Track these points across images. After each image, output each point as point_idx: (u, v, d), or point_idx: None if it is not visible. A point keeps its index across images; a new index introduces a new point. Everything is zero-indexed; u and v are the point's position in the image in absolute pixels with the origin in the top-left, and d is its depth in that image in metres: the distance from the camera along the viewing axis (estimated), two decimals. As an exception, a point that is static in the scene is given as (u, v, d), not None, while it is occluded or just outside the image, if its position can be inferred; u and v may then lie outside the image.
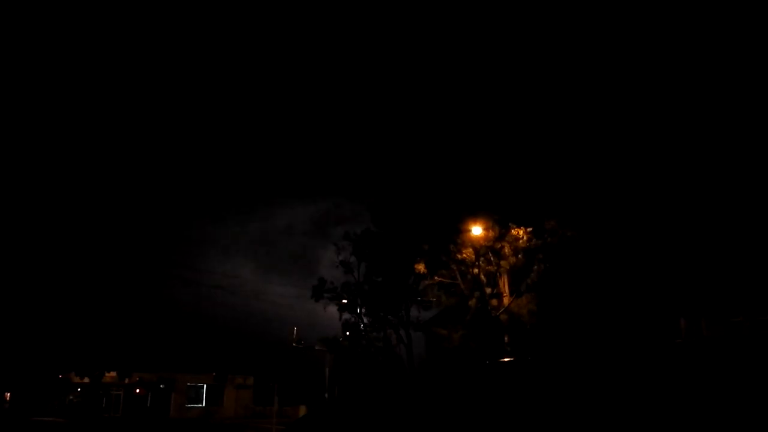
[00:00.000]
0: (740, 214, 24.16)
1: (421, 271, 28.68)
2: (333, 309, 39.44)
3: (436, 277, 29.54)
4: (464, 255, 26.73)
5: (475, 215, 26.18)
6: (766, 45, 22.75)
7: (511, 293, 27.28)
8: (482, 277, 27.35)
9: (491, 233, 25.93)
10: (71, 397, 59.34)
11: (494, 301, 27.40)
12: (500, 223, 26.14)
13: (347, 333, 41.33)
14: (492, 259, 26.42)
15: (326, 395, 46.79)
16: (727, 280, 25.49)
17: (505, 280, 27.47)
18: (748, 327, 24.39)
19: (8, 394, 55.77)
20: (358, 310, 38.23)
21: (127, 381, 59.28)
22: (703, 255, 24.77)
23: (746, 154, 23.58)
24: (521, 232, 25.98)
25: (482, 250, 26.37)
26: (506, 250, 25.85)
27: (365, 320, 38.44)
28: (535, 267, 26.35)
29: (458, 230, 26.57)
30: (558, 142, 27.91)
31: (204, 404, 62.83)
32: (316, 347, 47.63)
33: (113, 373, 58.21)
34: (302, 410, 53.24)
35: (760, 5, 23.14)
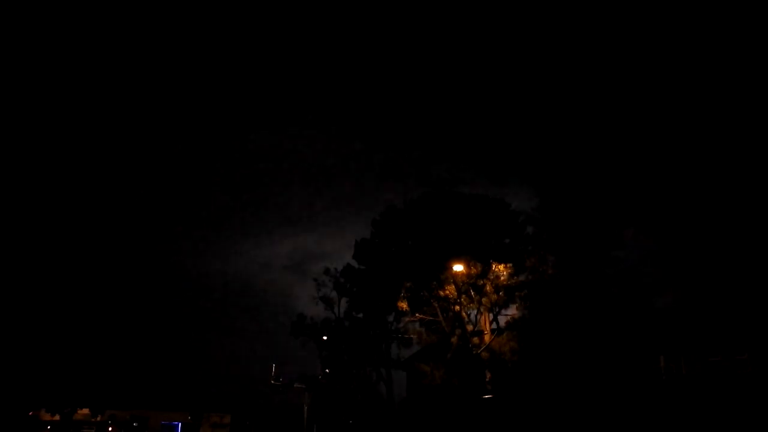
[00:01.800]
0: (720, 257, 24.55)
1: (404, 308, 28.55)
2: (313, 346, 38.96)
3: (417, 314, 29.40)
4: (446, 292, 26.72)
5: (458, 252, 26.26)
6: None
7: (492, 330, 27.25)
8: (464, 314, 27.30)
9: (473, 270, 25.99)
10: (41, 436, 57.43)
11: (476, 339, 27.31)
12: (482, 260, 26.23)
13: (326, 370, 40.82)
14: (473, 296, 26.42)
15: (304, 434, 45.86)
16: (706, 319, 25.74)
17: (486, 318, 27.47)
18: (727, 366, 24.54)
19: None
20: (339, 347, 37.82)
21: (99, 418, 57.63)
22: (683, 295, 25.08)
23: (724, 203, 24.00)
24: (502, 268, 26.09)
25: (464, 287, 26.39)
26: (488, 288, 25.89)
27: (345, 357, 38.00)
28: (516, 304, 26.41)
29: (440, 267, 26.59)
30: (540, 179, 28.19)
31: (178, 443, 61.15)
32: (295, 385, 46.90)
33: (86, 410, 56.56)
34: (280, 450, 52.11)
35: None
